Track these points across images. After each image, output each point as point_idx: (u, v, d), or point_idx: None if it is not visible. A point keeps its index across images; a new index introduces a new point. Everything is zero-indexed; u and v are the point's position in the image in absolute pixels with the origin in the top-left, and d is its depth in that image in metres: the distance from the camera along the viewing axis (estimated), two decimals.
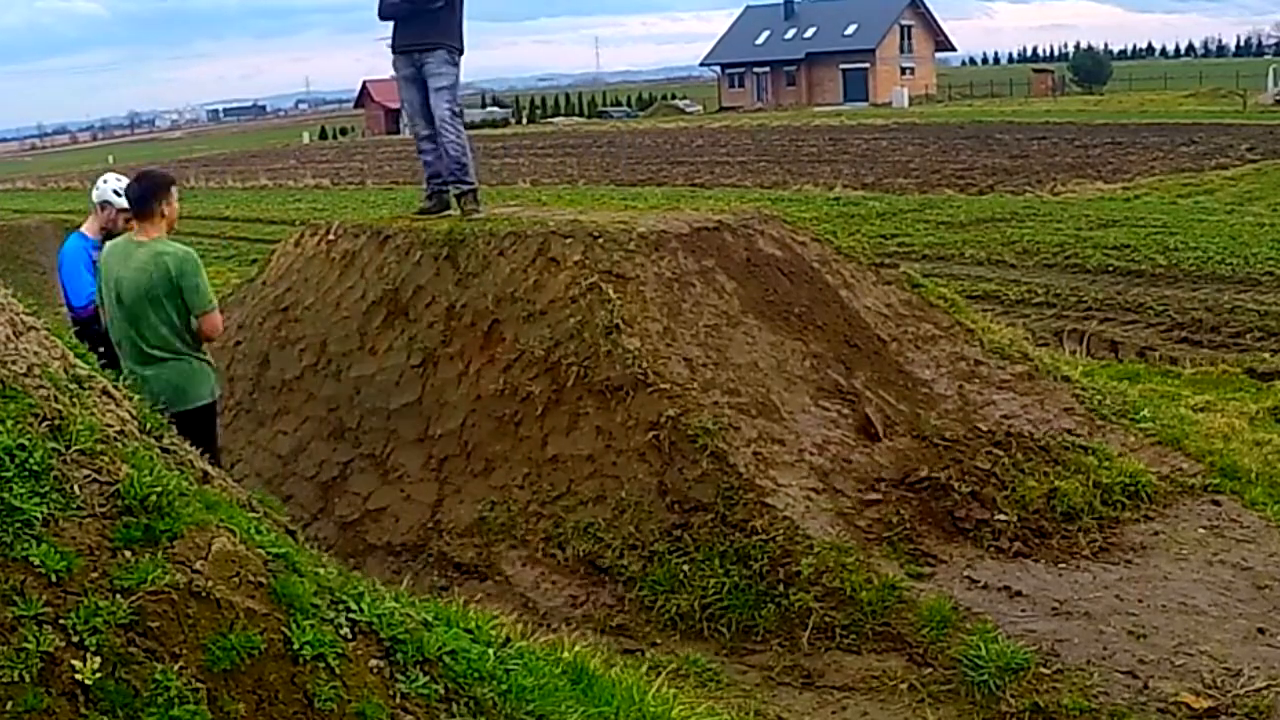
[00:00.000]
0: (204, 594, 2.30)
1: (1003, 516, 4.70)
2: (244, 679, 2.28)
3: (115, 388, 2.90)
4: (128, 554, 2.28)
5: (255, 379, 6.48)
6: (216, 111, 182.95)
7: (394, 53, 6.54)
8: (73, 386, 2.63)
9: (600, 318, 5.12)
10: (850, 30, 65.46)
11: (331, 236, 6.83)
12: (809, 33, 67.85)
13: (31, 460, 2.27)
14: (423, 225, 6.47)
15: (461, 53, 6.48)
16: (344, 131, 76.81)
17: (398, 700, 2.49)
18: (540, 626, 3.93)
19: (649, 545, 4.48)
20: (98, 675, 2.10)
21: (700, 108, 69.92)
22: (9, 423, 2.32)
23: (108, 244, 4.71)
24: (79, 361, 2.84)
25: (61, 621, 2.13)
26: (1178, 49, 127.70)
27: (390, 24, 6.49)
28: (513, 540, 4.78)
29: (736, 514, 4.43)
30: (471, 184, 6.53)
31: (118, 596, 2.20)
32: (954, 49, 78.31)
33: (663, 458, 4.68)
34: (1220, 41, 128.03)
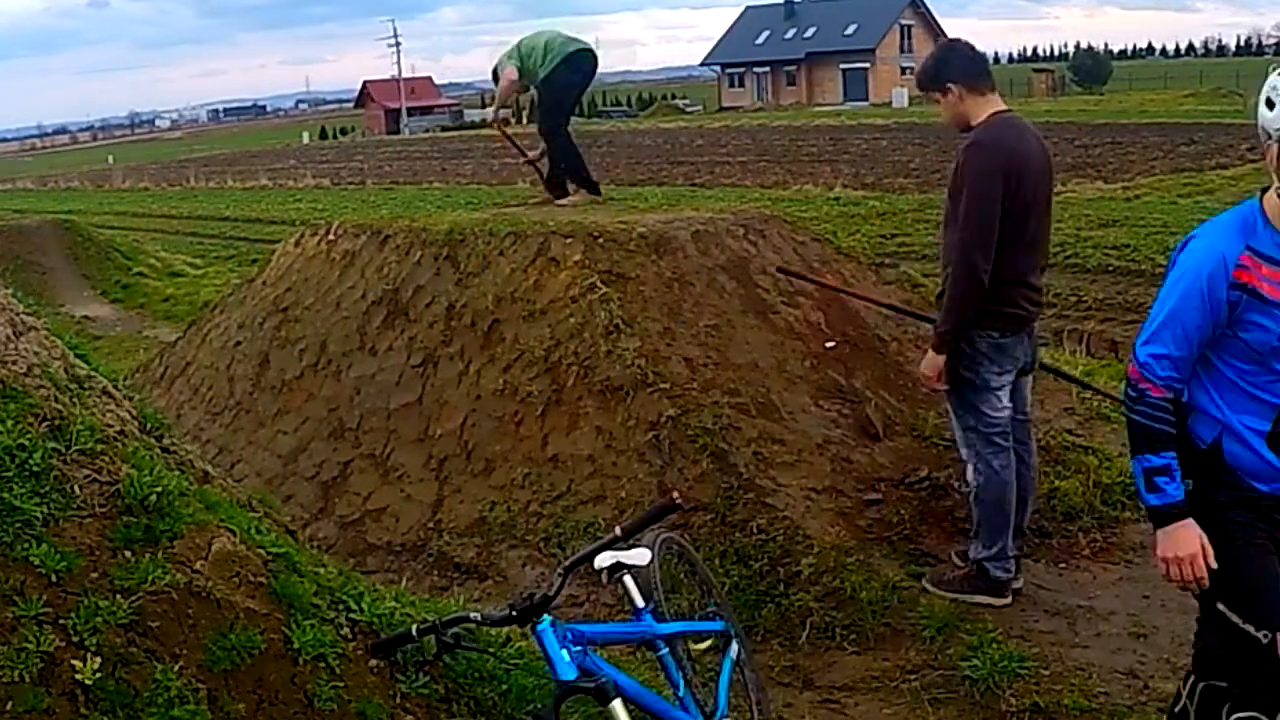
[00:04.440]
0: (204, 594, 2.30)
1: None
2: (244, 679, 2.28)
3: (115, 388, 2.90)
4: (128, 554, 2.28)
5: (255, 379, 6.48)
6: (216, 111, 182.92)
7: None
8: (73, 386, 2.63)
9: (600, 318, 5.12)
10: (850, 30, 65.47)
11: (331, 236, 6.83)
12: (809, 32, 67.87)
13: (32, 460, 2.27)
14: (423, 225, 6.48)
15: None
16: (344, 131, 76.80)
17: (398, 700, 2.49)
18: None
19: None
20: (98, 675, 2.10)
21: (700, 108, 69.91)
22: (9, 423, 2.32)
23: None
24: (79, 361, 2.84)
25: (61, 621, 2.13)
26: (1178, 49, 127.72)
27: None
28: (513, 540, 4.78)
29: (736, 514, 4.42)
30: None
31: (118, 596, 2.20)
32: None
33: (663, 458, 4.68)
34: (1220, 41, 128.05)
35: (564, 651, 2.30)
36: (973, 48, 4.15)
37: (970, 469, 4.12)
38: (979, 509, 4.13)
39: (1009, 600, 4.16)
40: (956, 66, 4.03)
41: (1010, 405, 4.10)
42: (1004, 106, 4.07)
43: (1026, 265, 4.01)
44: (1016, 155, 3.89)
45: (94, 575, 2.22)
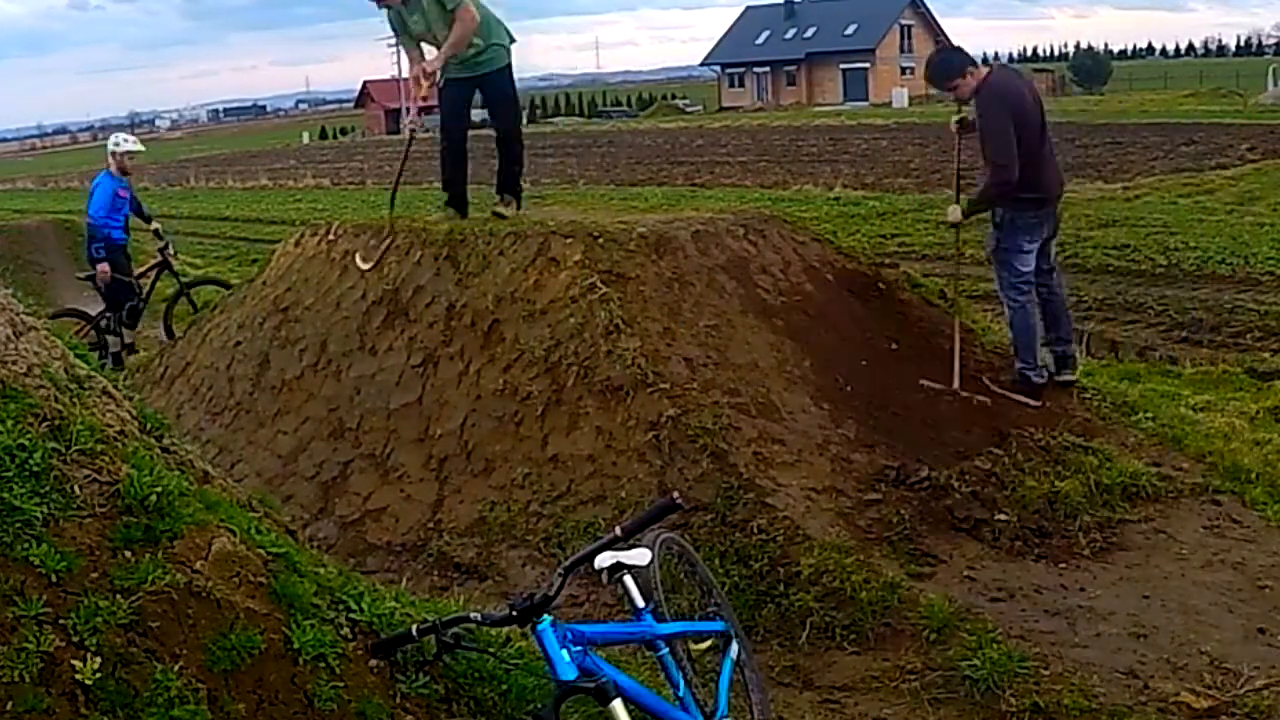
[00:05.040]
0: (204, 594, 2.30)
1: (1003, 516, 4.70)
2: (244, 679, 2.28)
3: (115, 388, 2.90)
4: (128, 554, 2.28)
5: (255, 379, 6.48)
6: (216, 111, 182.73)
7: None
8: (73, 386, 2.63)
9: (600, 318, 5.12)
10: (850, 30, 65.48)
11: (331, 236, 6.83)
12: (809, 33, 67.88)
13: (32, 460, 2.27)
14: (423, 225, 6.48)
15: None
16: (344, 131, 76.74)
17: (398, 700, 2.49)
18: None
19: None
20: (98, 675, 2.10)
21: (700, 108, 69.90)
22: (9, 423, 2.32)
23: None
24: (79, 361, 2.84)
25: (61, 621, 2.13)
26: (1178, 49, 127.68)
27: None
28: (513, 540, 4.77)
29: (736, 514, 4.42)
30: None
31: (118, 596, 2.20)
32: None
33: (663, 458, 4.68)
34: (1220, 41, 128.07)
35: (564, 651, 2.30)
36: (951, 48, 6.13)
37: (1006, 307, 5.75)
38: (1013, 335, 5.76)
39: (1042, 403, 5.55)
40: (960, 60, 5.67)
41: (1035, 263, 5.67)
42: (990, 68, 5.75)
43: (1038, 166, 5.50)
44: (1012, 90, 5.57)
45: (94, 575, 2.22)
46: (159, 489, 2.39)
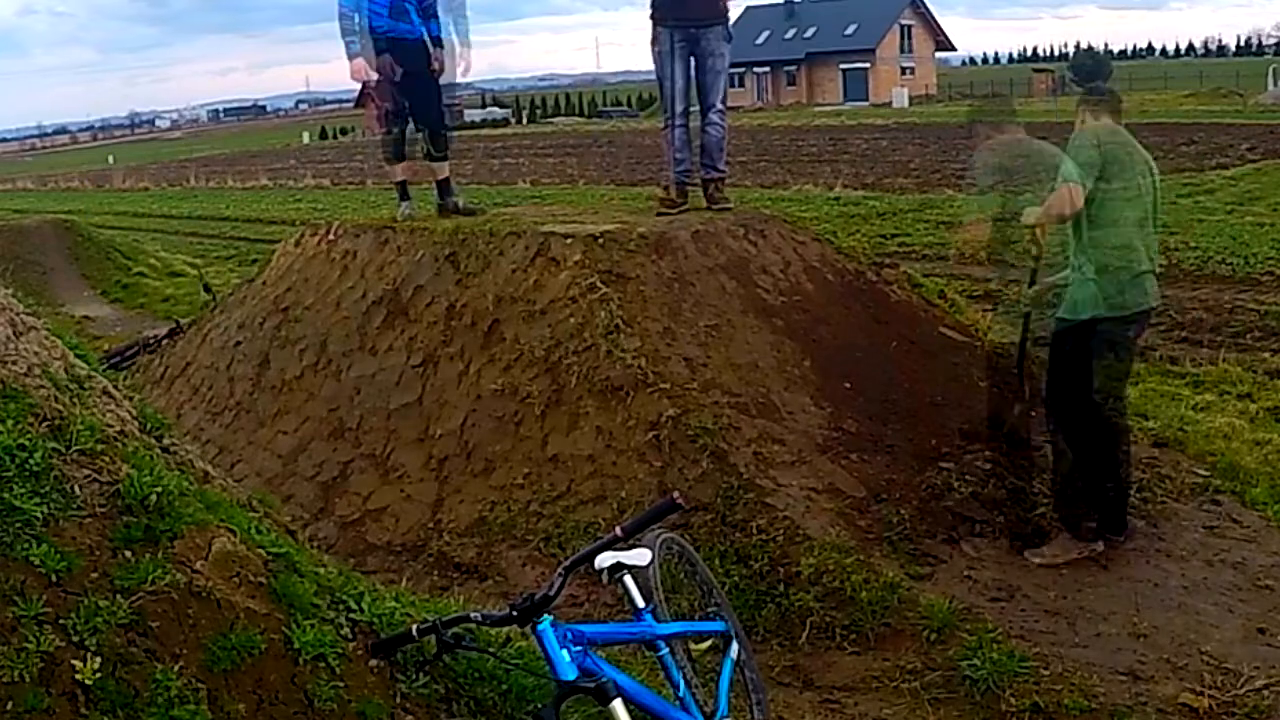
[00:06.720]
0: (204, 594, 2.30)
1: (1003, 517, 4.70)
2: (244, 679, 2.28)
3: (115, 388, 2.90)
4: (128, 554, 2.28)
5: (255, 379, 6.48)
6: (216, 111, 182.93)
7: (663, 25, 6.38)
8: (73, 386, 2.63)
9: (600, 318, 5.12)
10: (850, 30, 65.47)
11: (331, 236, 6.83)
12: (809, 32, 67.86)
13: (32, 460, 2.27)
14: (423, 225, 6.48)
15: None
16: (344, 131, 76.70)
17: (398, 700, 2.49)
18: None
19: None
20: (98, 675, 2.10)
21: None
22: (9, 423, 2.32)
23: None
24: (79, 361, 2.84)
25: (61, 621, 2.13)
26: (1178, 49, 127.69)
27: None
28: (513, 540, 4.77)
29: (736, 514, 4.42)
30: (724, 172, 6.58)
31: (118, 596, 2.20)
32: (954, 49, 78.36)
33: (663, 458, 4.68)
34: (1220, 41, 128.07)
35: (564, 651, 2.30)
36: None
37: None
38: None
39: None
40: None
41: None
42: None
43: None
44: None
45: (94, 575, 2.22)
46: (159, 489, 2.39)
